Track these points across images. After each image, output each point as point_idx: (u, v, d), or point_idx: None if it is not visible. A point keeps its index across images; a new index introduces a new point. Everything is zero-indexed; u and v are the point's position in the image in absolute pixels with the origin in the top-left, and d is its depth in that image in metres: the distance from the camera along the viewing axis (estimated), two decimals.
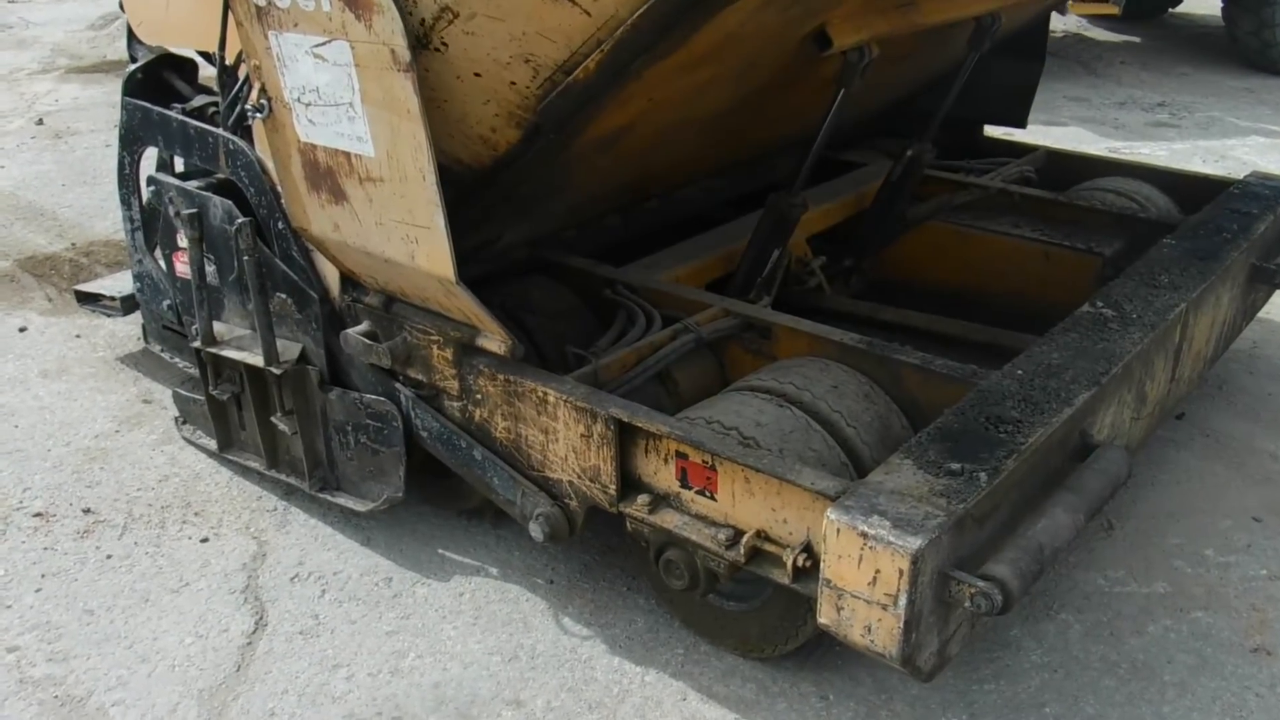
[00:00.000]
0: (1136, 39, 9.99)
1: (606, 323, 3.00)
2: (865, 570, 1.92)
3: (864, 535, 1.91)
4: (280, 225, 2.87)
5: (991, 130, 4.65)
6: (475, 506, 3.11)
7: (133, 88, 3.45)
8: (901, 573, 1.87)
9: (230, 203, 2.97)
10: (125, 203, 3.57)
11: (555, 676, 2.60)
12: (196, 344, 3.11)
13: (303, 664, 2.65)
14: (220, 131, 3.01)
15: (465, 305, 2.54)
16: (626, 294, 3.04)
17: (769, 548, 2.21)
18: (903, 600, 1.88)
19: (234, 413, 3.26)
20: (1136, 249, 3.32)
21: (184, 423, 3.54)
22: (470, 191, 2.63)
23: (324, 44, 2.38)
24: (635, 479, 2.45)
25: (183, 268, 3.27)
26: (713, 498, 2.30)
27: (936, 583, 1.93)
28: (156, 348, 3.73)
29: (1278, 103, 7.88)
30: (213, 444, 3.35)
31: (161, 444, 3.56)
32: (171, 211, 3.15)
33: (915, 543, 1.85)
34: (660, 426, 2.33)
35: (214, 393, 3.18)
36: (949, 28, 3.30)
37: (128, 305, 3.91)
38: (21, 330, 4.35)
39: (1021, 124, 4.47)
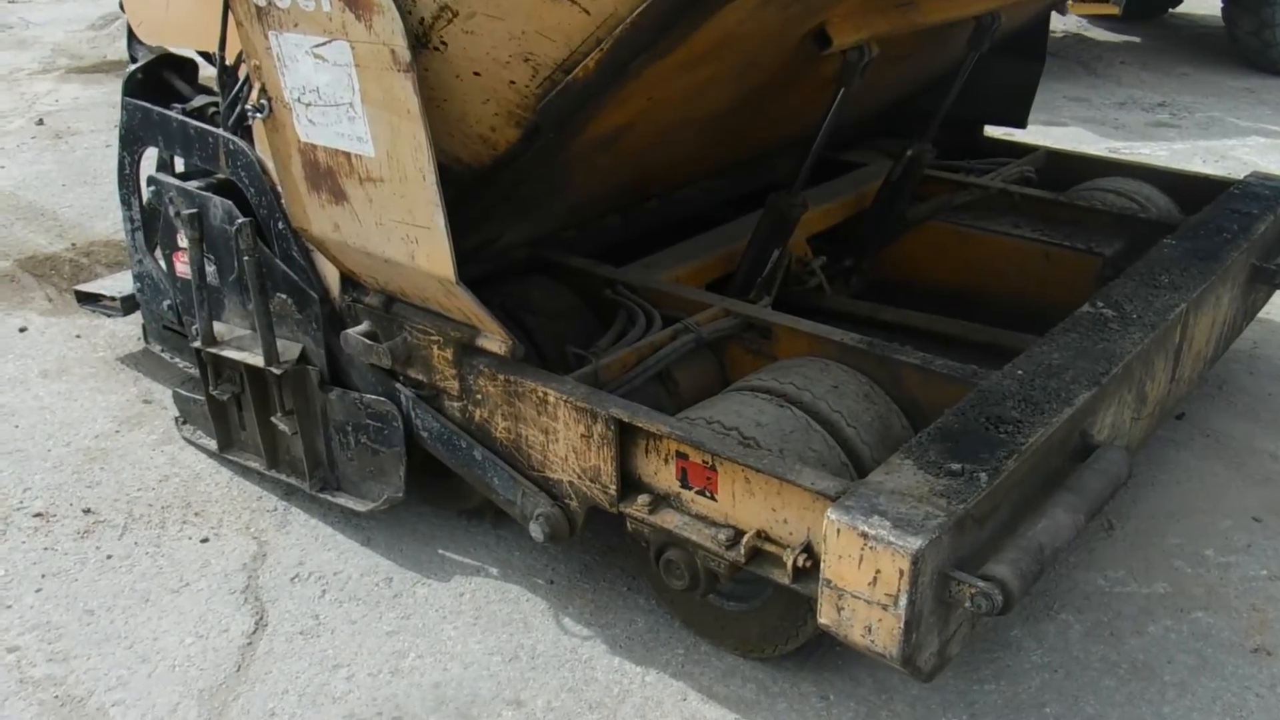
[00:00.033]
0: (1136, 39, 9.99)
1: (606, 323, 3.00)
2: (866, 570, 1.92)
3: (864, 535, 1.91)
4: (280, 225, 2.87)
5: (991, 130, 4.65)
6: (475, 506, 3.11)
7: (133, 88, 3.45)
8: (902, 573, 1.87)
9: (230, 203, 2.97)
10: (125, 203, 3.57)
11: (555, 676, 2.60)
12: (196, 344, 3.11)
13: (303, 664, 2.65)
14: (220, 131, 3.01)
15: (465, 305, 2.54)
16: (626, 294, 3.04)
17: (769, 548, 2.21)
18: (903, 600, 1.88)
19: (234, 413, 3.26)
20: (1137, 249, 3.32)
21: (184, 423, 3.54)
22: (470, 191, 2.63)
23: (324, 44, 2.38)
24: (635, 479, 2.45)
25: (183, 268, 3.27)
26: (713, 498, 2.30)
27: (937, 583, 1.92)
28: (157, 348, 3.73)
29: (1278, 103, 7.88)
30: (213, 444, 3.35)
31: (162, 444, 3.56)
32: (171, 211, 3.15)
33: (916, 543, 1.85)
34: (660, 427, 2.33)
35: (214, 393, 3.18)
36: (949, 27, 3.30)
37: (128, 305, 3.92)
38: (22, 330, 4.35)
39: (1021, 124, 4.47)
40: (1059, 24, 10.03)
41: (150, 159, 3.48)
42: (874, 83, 3.01)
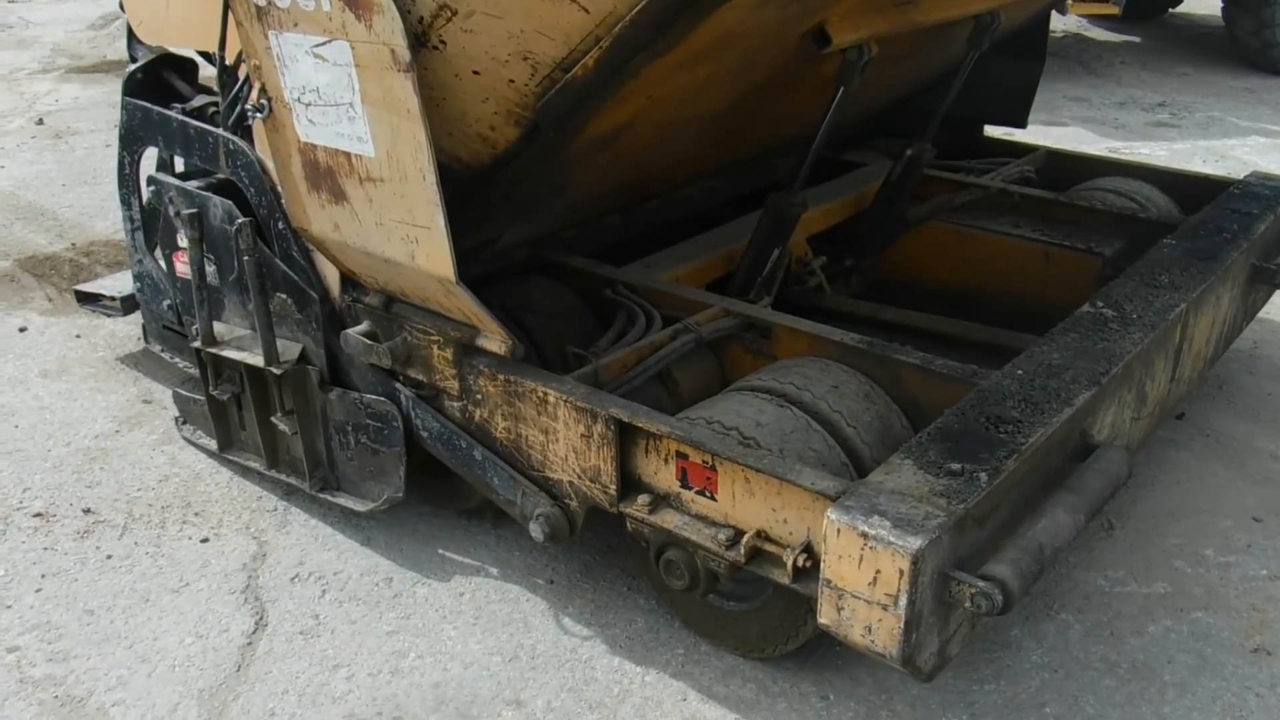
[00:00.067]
0: (1136, 39, 9.99)
1: (606, 323, 3.00)
2: (865, 570, 1.92)
3: (864, 535, 1.90)
4: (280, 225, 2.87)
5: (991, 130, 4.65)
6: (475, 506, 3.11)
7: (133, 88, 3.45)
8: (902, 573, 1.86)
9: (230, 203, 2.97)
10: (125, 203, 3.57)
11: (555, 676, 2.59)
12: (196, 344, 3.11)
13: (303, 664, 2.65)
14: (220, 131, 3.01)
15: (465, 305, 2.53)
16: (627, 294, 3.04)
17: (769, 548, 2.21)
18: (903, 600, 1.88)
19: (234, 413, 3.26)
20: (1137, 249, 3.31)
21: (184, 423, 3.54)
22: (470, 190, 2.62)
23: (324, 44, 2.38)
24: (635, 479, 2.45)
25: (183, 268, 3.27)
26: (713, 498, 2.30)
27: (937, 583, 1.92)
28: (156, 348, 3.73)
29: (1278, 103, 7.88)
30: (213, 444, 3.35)
31: (161, 444, 3.56)
32: (171, 211, 3.15)
33: (915, 543, 1.85)
34: (660, 426, 2.33)
35: (214, 393, 3.18)
36: (948, 27, 3.30)
37: (128, 305, 3.92)
38: (21, 330, 4.35)
39: (1021, 124, 4.47)
40: (1059, 24, 10.03)
41: (150, 159, 3.48)
42: (873, 82, 3.01)
